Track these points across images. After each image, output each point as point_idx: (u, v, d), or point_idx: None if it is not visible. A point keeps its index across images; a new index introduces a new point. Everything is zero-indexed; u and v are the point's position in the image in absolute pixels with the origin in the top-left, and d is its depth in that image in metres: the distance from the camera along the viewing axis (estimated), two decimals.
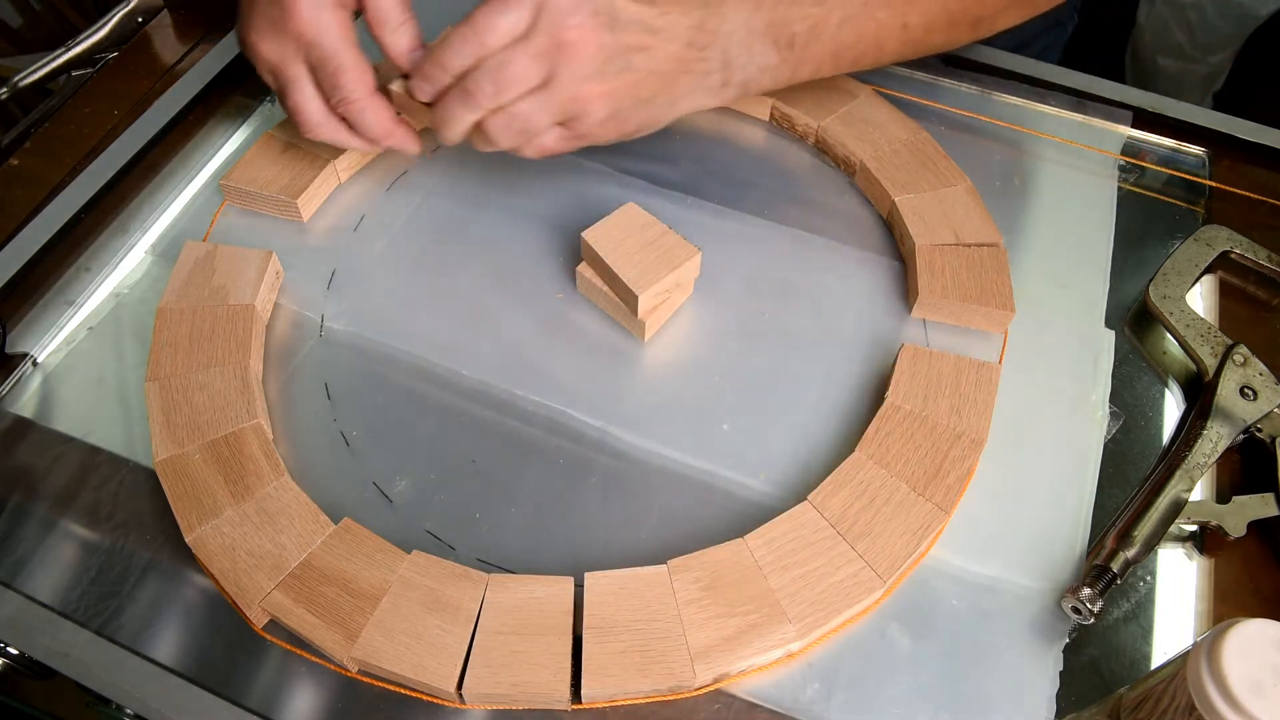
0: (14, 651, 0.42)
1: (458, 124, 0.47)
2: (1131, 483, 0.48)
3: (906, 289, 0.54)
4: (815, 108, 0.60)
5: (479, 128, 0.48)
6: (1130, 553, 0.43)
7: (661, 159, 0.60)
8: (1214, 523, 0.46)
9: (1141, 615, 0.45)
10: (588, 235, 0.51)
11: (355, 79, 0.48)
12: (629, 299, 0.50)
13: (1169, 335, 0.53)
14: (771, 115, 0.62)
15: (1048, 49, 0.80)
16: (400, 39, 0.48)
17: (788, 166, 0.60)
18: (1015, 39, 0.77)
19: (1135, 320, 0.54)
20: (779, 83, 0.51)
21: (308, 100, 0.49)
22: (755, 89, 0.51)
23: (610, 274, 0.50)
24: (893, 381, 0.48)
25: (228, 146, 0.62)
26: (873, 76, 0.64)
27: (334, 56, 0.47)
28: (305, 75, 0.49)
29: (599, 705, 0.41)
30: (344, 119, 0.50)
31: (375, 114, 0.50)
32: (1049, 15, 0.77)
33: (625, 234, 0.51)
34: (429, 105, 0.49)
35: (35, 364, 0.52)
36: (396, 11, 0.48)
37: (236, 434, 0.46)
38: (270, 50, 0.48)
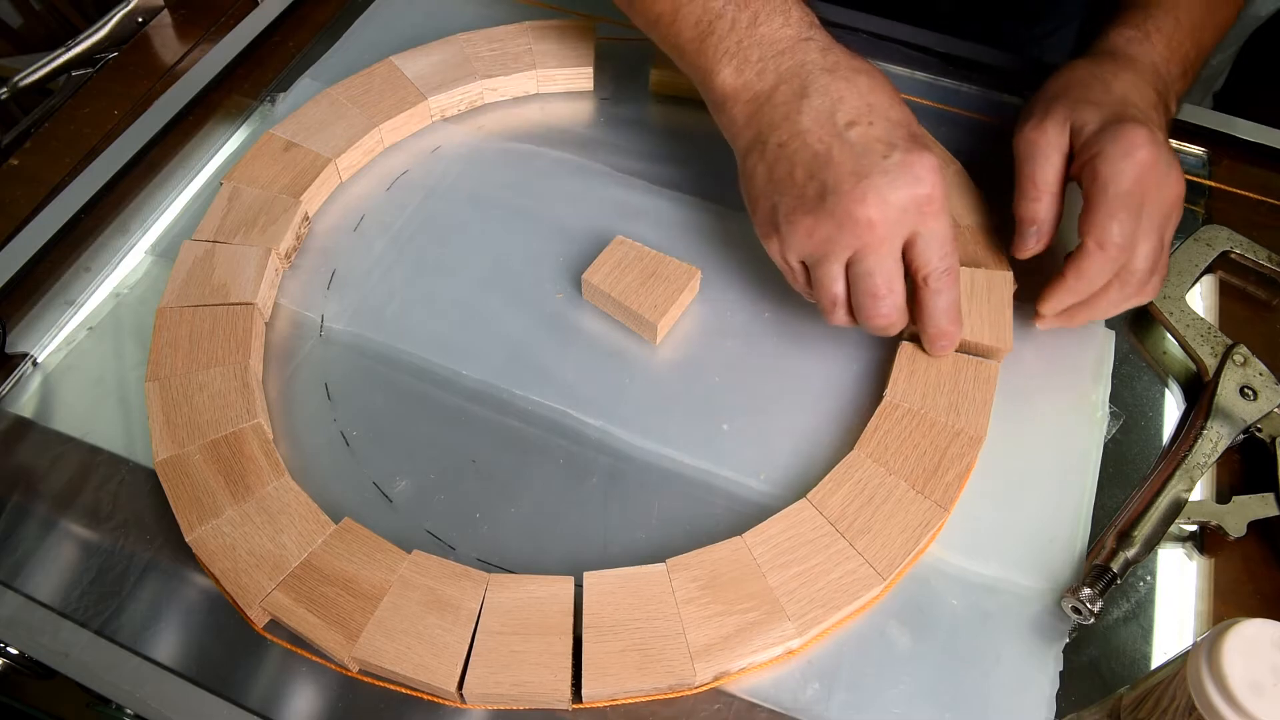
0: (14, 651, 0.42)
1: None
2: (1131, 483, 0.48)
3: None
4: None
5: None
6: (1130, 553, 0.43)
7: (662, 159, 0.60)
8: (1214, 523, 0.46)
9: (1141, 615, 0.45)
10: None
11: (958, 248, 0.46)
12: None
13: (1169, 335, 0.53)
14: None
15: (1056, 47, 0.80)
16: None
17: None
18: (1023, 35, 0.77)
19: (1135, 320, 0.54)
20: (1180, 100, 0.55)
21: (898, 280, 0.45)
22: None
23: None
24: (891, 379, 0.48)
25: (228, 146, 0.62)
26: None
27: (950, 225, 0.45)
28: (901, 251, 0.45)
29: (599, 705, 0.41)
30: (927, 294, 0.46)
31: (957, 293, 0.47)
32: (1067, 8, 0.77)
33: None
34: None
35: (35, 364, 0.52)
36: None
37: (236, 434, 0.46)
38: (884, 222, 0.43)
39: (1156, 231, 0.46)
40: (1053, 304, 0.48)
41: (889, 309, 0.45)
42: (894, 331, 0.47)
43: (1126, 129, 0.46)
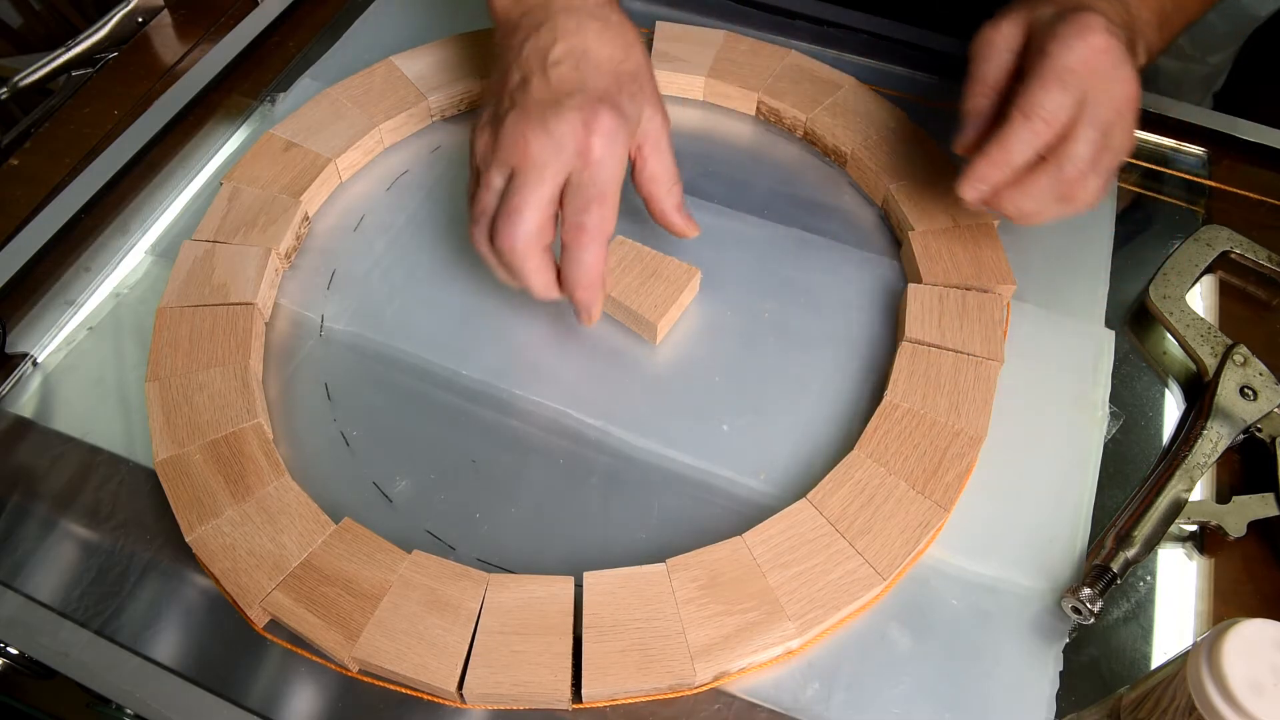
0: (14, 651, 0.42)
1: (1078, 202, 0.46)
2: (1131, 483, 0.48)
3: (905, 277, 0.54)
4: (801, 100, 0.60)
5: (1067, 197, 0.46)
6: (1130, 553, 0.43)
7: None
8: (1214, 523, 0.46)
9: (1141, 615, 0.45)
10: None
11: (608, 217, 0.45)
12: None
13: (1169, 335, 0.53)
14: (758, 110, 0.62)
15: None
16: (671, 198, 0.50)
17: (782, 163, 0.60)
18: None
19: (1135, 320, 0.54)
20: (1153, 56, 0.52)
21: (540, 206, 0.45)
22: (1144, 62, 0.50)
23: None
24: (891, 379, 0.48)
25: (228, 146, 0.62)
26: (874, 76, 0.64)
27: (605, 186, 0.45)
28: (555, 187, 0.45)
29: (599, 705, 0.41)
30: (562, 247, 0.46)
31: (596, 260, 0.46)
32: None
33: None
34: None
35: (35, 364, 0.52)
36: (670, 174, 0.50)
37: (236, 434, 0.46)
38: (541, 149, 0.44)
39: (1100, 124, 0.44)
40: (970, 176, 0.45)
41: (517, 232, 0.45)
42: (528, 275, 0.46)
43: (1084, 15, 0.44)
